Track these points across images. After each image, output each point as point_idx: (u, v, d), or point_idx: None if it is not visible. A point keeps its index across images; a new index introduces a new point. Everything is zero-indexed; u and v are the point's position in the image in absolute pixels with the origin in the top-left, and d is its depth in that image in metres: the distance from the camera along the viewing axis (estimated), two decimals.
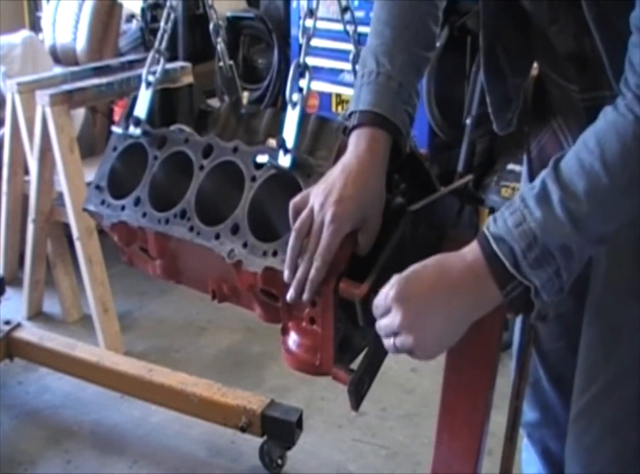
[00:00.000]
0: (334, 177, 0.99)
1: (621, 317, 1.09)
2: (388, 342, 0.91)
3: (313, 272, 0.96)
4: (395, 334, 0.89)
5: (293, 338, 1.05)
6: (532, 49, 1.13)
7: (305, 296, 0.98)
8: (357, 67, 1.11)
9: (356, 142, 1.02)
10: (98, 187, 1.26)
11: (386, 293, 0.90)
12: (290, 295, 0.99)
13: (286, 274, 1.00)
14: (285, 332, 1.07)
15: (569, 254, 0.86)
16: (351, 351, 1.05)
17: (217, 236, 1.09)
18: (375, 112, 1.02)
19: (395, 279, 0.90)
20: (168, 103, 1.34)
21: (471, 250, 0.90)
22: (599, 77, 0.99)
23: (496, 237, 0.87)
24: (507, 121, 1.20)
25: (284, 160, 1.06)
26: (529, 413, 1.37)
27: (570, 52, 1.03)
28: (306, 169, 1.07)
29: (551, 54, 1.07)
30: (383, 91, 1.04)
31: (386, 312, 0.90)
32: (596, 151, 0.84)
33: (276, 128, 1.21)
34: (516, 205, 0.88)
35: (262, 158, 1.08)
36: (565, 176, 0.85)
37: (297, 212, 1.00)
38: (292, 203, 1.01)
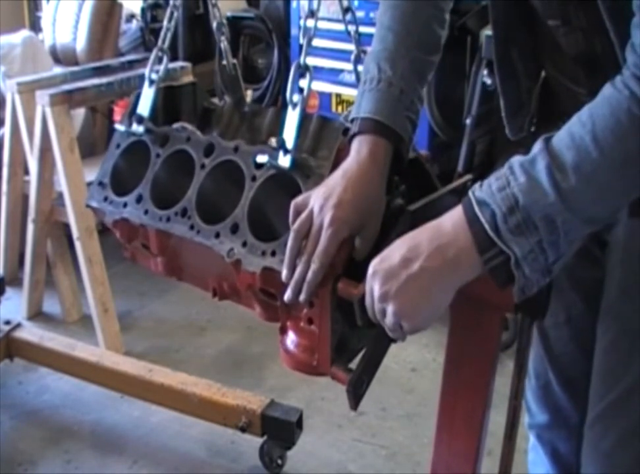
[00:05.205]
0: (335, 181, 0.99)
1: (639, 324, 1.08)
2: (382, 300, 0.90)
3: (310, 274, 0.97)
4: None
5: (291, 338, 1.06)
6: (541, 51, 1.13)
7: (302, 297, 0.98)
8: (361, 72, 1.10)
9: (357, 148, 1.02)
10: (101, 183, 1.26)
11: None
12: (287, 295, 1.00)
13: (284, 274, 1.00)
14: (283, 331, 1.08)
15: (552, 227, 0.83)
16: (348, 353, 1.05)
17: (217, 235, 1.09)
18: (376, 120, 1.02)
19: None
20: (171, 101, 1.34)
21: (455, 213, 0.88)
22: (608, 79, 0.98)
23: (479, 201, 0.86)
24: (520, 126, 1.19)
25: (284, 161, 1.06)
26: (539, 415, 1.37)
27: (579, 54, 1.02)
28: (305, 170, 1.07)
29: (559, 57, 1.07)
30: (384, 98, 1.03)
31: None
32: (588, 125, 0.82)
33: (278, 126, 1.21)
34: (503, 171, 0.86)
35: (262, 159, 1.08)
36: (554, 147, 0.83)
37: (298, 213, 1.00)
38: (294, 203, 1.01)
